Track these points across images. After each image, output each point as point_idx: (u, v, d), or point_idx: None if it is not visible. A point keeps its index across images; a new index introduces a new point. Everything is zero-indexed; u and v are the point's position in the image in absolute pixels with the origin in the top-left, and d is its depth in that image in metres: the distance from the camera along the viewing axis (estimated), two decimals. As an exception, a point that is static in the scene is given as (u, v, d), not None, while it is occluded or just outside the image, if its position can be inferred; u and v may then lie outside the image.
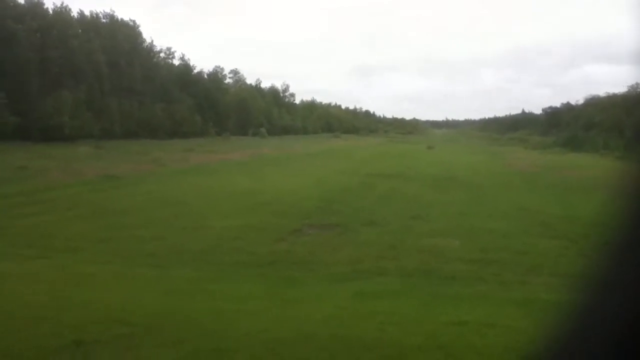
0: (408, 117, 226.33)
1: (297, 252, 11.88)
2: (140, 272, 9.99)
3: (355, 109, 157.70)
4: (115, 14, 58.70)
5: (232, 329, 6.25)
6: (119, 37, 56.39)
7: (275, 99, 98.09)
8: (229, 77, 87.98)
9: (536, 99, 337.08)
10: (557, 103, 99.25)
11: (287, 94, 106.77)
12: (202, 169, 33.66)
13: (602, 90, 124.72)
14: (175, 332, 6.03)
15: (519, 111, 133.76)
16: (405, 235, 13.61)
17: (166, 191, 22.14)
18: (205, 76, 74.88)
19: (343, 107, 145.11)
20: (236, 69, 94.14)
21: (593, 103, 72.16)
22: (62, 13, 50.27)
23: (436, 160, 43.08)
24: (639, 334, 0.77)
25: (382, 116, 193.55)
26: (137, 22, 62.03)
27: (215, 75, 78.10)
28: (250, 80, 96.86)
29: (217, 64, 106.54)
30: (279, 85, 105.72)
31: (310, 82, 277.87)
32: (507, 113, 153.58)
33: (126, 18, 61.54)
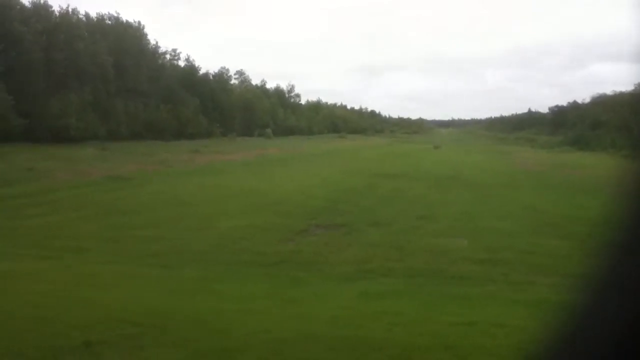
0: (414, 117, 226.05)
1: (303, 252, 11.86)
2: (146, 272, 10.00)
3: (360, 109, 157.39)
4: (120, 15, 59.02)
5: (238, 329, 6.22)
6: (125, 38, 56.51)
7: (281, 100, 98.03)
8: (235, 78, 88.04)
9: (542, 98, 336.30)
10: (563, 102, 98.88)
11: (292, 94, 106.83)
12: (207, 169, 33.70)
13: (608, 89, 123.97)
14: (181, 332, 6.01)
15: (525, 110, 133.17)
16: (412, 235, 13.56)
17: (172, 192, 22.18)
18: (211, 77, 74.95)
19: (348, 107, 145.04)
20: (242, 69, 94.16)
21: (600, 102, 71.76)
22: (67, 15, 50.49)
23: (442, 159, 42.96)
24: (639, 334, 0.77)
25: (387, 116, 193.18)
26: (142, 23, 62.21)
27: (221, 76, 78.13)
28: (255, 81, 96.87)
29: (221, 65, 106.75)
30: (284, 85, 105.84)
31: (314, 83, 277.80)
32: (514, 112, 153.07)
33: (130, 19, 61.87)
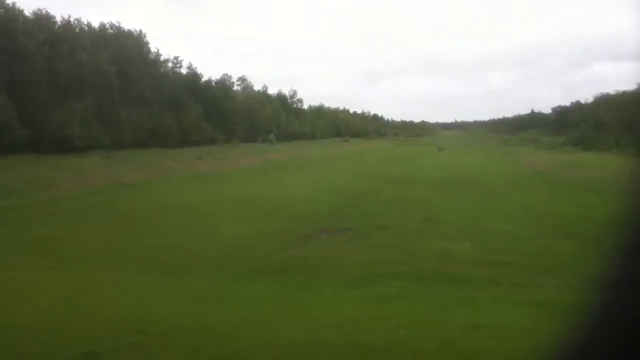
0: (416, 119, 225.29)
1: (310, 257, 11.86)
2: (153, 280, 10.00)
3: (363, 113, 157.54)
4: (121, 25, 59.31)
5: (247, 336, 6.22)
6: (127, 47, 56.77)
7: (283, 105, 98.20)
8: (237, 85, 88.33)
9: (544, 98, 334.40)
10: (566, 102, 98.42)
11: (294, 99, 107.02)
12: (212, 176, 33.76)
13: (611, 88, 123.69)
14: (189, 340, 6.02)
15: (528, 111, 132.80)
16: (418, 238, 13.54)
17: (177, 199, 22.21)
18: (213, 84, 75.14)
19: (351, 111, 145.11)
20: (244, 76, 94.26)
21: (603, 101, 71.46)
22: (69, 25, 50.70)
23: (447, 162, 42.93)
24: None
25: (390, 119, 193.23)
26: (144, 32, 62.46)
27: (223, 83, 78.31)
28: (257, 86, 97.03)
29: (222, 68, 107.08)
30: (286, 91, 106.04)
31: (317, 87, 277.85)
32: (517, 113, 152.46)
33: (131, 27, 62.16)
